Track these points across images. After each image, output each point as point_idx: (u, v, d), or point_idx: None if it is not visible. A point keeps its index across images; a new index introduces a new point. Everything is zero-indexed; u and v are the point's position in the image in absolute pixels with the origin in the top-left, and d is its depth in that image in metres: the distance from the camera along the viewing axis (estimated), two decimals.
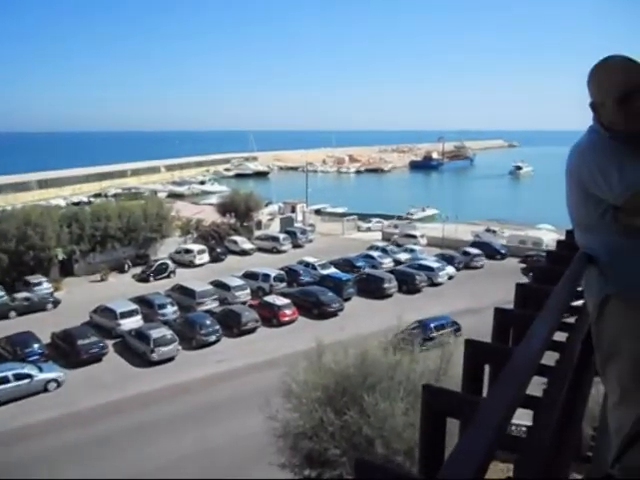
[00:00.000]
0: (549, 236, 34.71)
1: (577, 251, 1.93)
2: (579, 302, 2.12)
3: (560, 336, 2.20)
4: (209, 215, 42.29)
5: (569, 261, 1.84)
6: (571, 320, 2.30)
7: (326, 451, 10.87)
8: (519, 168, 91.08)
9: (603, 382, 2.07)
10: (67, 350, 21.28)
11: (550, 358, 2.00)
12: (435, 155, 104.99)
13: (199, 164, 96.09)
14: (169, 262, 32.91)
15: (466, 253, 35.20)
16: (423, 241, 39.85)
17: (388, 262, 34.07)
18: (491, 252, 36.06)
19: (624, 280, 1.84)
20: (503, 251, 36.22)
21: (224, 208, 41.78)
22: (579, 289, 2.04)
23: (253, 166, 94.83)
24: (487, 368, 1.33)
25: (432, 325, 21.75)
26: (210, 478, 13.27)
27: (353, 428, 10.98)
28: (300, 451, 11.41)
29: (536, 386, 1.77)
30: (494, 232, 41.61)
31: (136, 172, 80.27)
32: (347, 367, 11.78)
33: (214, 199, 51.58)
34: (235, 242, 37.45)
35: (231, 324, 24.00)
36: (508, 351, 1.07)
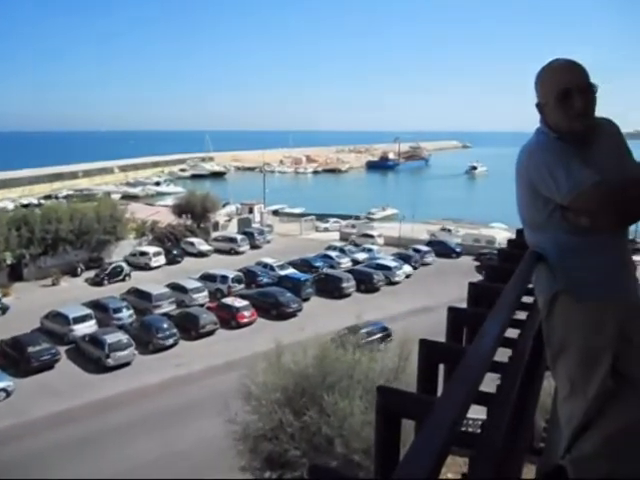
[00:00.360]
0: (502, 234, 35.64)
1: (527, 249, 1.98)
2: (530, 299, 2.17)
3: (512, 333, 2.25)
4: (165, 216, 41.50)
5: (520, 259, 1.89)
6: (523, 317, 2.36)
7: (286, 452, 10.84)
8: (474, 168, 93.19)
9: (553, 376, 2.13)
10: (17, 358, 20.43)
11: (503, 355, 2.05)
12: (391, 155, 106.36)
13: (154, 165, 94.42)
14: (124, 265, 32.13)
15: (417, 250, 35.80)
16: (380, 241, 40.34)
17: (346, 262, 34.31)
18: (446, 251, 36.78)
19: (572, 277, 1.90)
20: (458, 250, 36.98)
21: (180, 209, 41.12)
22: (530, 286, 2.10)
23: (209, 167, 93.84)
24: (442, 367, 1.35)
25: (363, 331, 20.67)
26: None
27: (313, 428, 10.98)
28: (260, 453, 11.34)
29: (491, 382, 1.81)
30: (449, 231, 42.50)
31: (88, 173, 78.26)
32: (306, 367, 11.78)
33: (170, 200, 50.83)
34: (192, 244, 36.91)
35: (189, 327, 23.61)
36: (461, 350, 1.08)
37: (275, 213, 52.80)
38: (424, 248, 36.25)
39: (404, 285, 31.12)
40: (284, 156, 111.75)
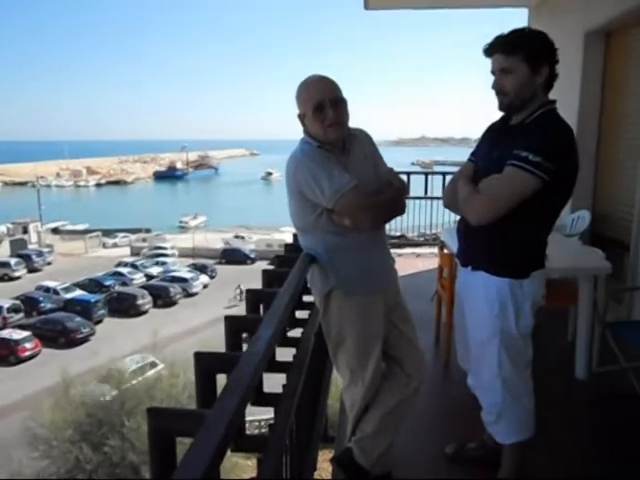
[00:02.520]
0: (291, 237, 37.29)
1: (302, 252, 2.10)
2: (311, 298, 2.30)
3: (298, 332, 2.37)
4: None
5: (295, 262, 1.99)
6: (305, 316, 2.49)
7: None
8: (270, 174, 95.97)
9: (336, 368, 2.31)
10: None
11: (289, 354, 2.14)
12: (179, 165, 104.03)
13: None
14: None
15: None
16: (174, 253, 39.30)
17: (140, 278, 32.70)
18: (241, 258, 37.34)
19: (342, 274, 2.07)
20: (253, 255, 37.76)
21: None
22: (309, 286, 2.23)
23: None
24: None
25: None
26: None
27: (116, 459, 10.26)
28: None
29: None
30: (243, 238, 43.17)
31: None
32: (102, 395, 10.94)
33: None
34: None
35: None
36: (237, 357, 1.09)
37: (55, 231, 47.78)
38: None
39: (202, 296, 30.80)
40: (61, 168, 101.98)
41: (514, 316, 2.10)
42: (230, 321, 1.49)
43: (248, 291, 1.81)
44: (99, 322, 26.14)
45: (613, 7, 4.62)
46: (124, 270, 33.46)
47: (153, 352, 14.32)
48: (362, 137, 2.16)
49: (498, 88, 2.06)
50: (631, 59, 4.78)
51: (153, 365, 15.77)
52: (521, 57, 1.98)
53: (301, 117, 2.04)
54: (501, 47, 2.02)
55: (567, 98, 5.24)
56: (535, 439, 2.28)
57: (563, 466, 2.66)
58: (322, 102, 1.96)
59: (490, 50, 2.05)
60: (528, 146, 1.92)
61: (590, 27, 5.15)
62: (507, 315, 2.11)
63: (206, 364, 1.20)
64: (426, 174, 8.66)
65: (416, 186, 8.32)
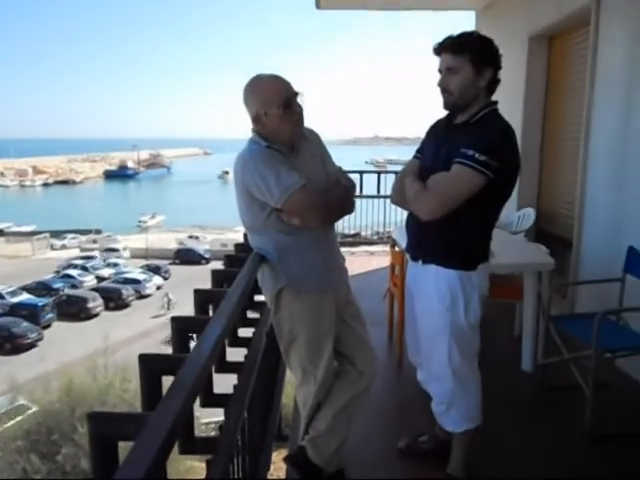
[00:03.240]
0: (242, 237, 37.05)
1: (252, 252, 2.10)
2: (262, 298, 2.30)
3: (250, 332, 2.36)
4: None
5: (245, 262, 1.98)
6: (257, 315, 2.49)
7: None
8: (227, 173, 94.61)
9: (288, 366, 2.31)
10: None
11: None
12: (130, 164, 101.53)
13: None
14: None
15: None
16: (126, 254, 38.41)
17: (90, 280, 31.78)
18: (196, 258, 36.81)
19: (292, 273, 2.08)
20: (207, 256, 37.28)
21: None
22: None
23: None
24: None
25: None
26: None
27: (67, 467, 9.96)
28: None
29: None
30: (197, 238, 42.58)
31: None
32: (51, 403, 10.59)
33: None
34: None
35: None
36: (183, 359, 1.08)
37: None
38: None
39: (156, 297, 30.19)
40: (5, 167, 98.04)
41: (464, 307, 2.19)
42: (177, 322, 1.47)
43: (196, 291, 1.79)
44: (47, 327, 25.28)
45: (554, 12, 4.79)
46: (74, 272, 32.47)
47: (104, 356, 13.94)
48: (311, 136, 2.17)
49: (443, 86, 2.13)
50: (571, 62, 4.97)
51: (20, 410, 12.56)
52: (467, 57, 2.06)
53: (259, 116, 1.99)
54: (450, 47, 2.10)
55: (513, 100, 5.42)
56: (481, 428, 2.35)
57: (508, 454, 2.74)
58: (289, 98, 1.97)
59: (439, 49, 2.13)
60: (474, 145, 1.99)
61: (533, 31, 5.32)
62: (457, 306, 2.19)
63: (151, 366, 1.18)
64: (379, 173, 8.76)
65: (369, 185, 8.42)
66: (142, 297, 29.77)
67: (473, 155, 1.97)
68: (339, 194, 2.08)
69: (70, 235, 43.62)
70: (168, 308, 27.08)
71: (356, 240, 9.04)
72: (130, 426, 0.88)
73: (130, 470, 0.72)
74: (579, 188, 4.32)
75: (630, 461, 2.69)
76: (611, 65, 3.92)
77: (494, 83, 2.14)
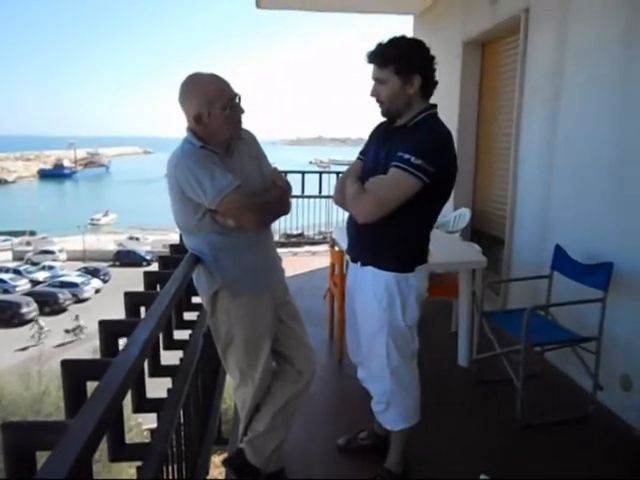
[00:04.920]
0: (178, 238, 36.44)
1: (187, 253, 2.07)
2: (199, 299, 2.27)
3: (186, 334, 2.33)
4: None
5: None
6: (195, 317, 2.46)
7: None
8: None
9: (226, 368, 2.29)
10: None
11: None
12: (67, 163, 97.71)
13: None
14: None
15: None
16: (63, 256, 37.01)
17: (24, 284, 30.46)
18: (137, 259, 35.89)
19: (228, 275, 2.06)
20: (149, 257, 36.42)
21: None
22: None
23: None
24: None
25: None
26: None
27: None
28: None
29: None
30: (137, 239, 41.51)
31: None
32: None
33: None
34: None
35: None
36: (109, 364, 1.06)
37: None
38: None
39: (95, 301, 29.23)
40: None
41: (401, 308, 2.21)
42: (105, 325, 1.43)
43: (126, 294, 1.75)
44: None
45: (487, 20, 4.97)
46: (6, 276, 31.02)
47: (38, 363, 13.37)
48: (247, 137, 2.16)
49: (375, 95, 2.16)
50: (503, 67, 5.17)
51: None
52: (392, 69, 2.07)
53: (200, 116, 1.95)
54: (374, 59, 2.11)
55: (449, 102, 5.58)
56: (420, 422, 2.41)
57: (444, 444, 2.83)
58: (233, 99, 1.96)
59: (368, 59, 2.14)
60: (410, 149, 2.01)
61: (467, 37, 5.50)
62: (394, 308, 2.21)
63: (74, 372, 1.15)
64: (320, 173, 8.82)
65: (312, 185, 8.46)
66: (80, 301, 28.77)
67: (409, 159, 1.99)
68: (274, 195, 2.08)
69: (1, 237, 41.57)
70: (78, 334, 23.97)
71: (299, 240, 9.06)
72: (49, 435, 0.85)
73: (47, 476, 0.70)
74: (510, 189, 4.50)
75: (557, 445, 2.83)
76: (539, 72, 4.10)
77: (428, 86, 2.15)
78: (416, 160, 1.98)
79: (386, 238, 2.19)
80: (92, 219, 48.77)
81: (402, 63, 2.07)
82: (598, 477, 2.59)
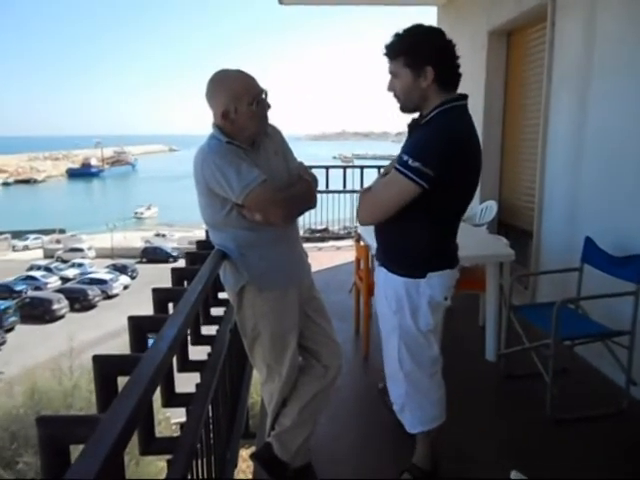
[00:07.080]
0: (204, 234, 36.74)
1: (214, 249, 2.08)
2: (226, 295, 2.29)
3: (213, 330, 2.35)
4: None
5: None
6: (222, 313, 2.47)
7: None
8: None
9: (252, 363, 2.30)
10: None
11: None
12: (94, 162, 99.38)
13: None
14: None
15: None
16: (91, 253, 37.67)
17: (55, 281, 31.08)
18: (163, 256, 36.33)
19: (254, 270, 2.07)
20: (175, 254, 36.79)
21: None
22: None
23: None
24: None
25: None
26: None
27: (30, 475, 9.74)
28: None
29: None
30: (164, 236, 42.02)
31: None
32: (14, 408, 10.33)
33: None
34: None
35: None
36: (138, 359, 1.07)
37: None
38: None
39: (123, 297, 29.73)
40: None
41: (410, 313, 2.14)
42: (134, 321, 1.45)
43: (154, 290, 1.77)
44: (10, 330, 24.63)
45: (513, 8, 4.88)
46: (37, 274, 31.69)
47: (69, 358, 13.64)
48: (273, 133, 2.16)
49: (392, 90, 2.07)
50: (529, 57, 5.07)
51: None
52: (402, 62, 1.97)
53: (228, 112, 1.95)
54: (386, 51, 2.02)
55: (474, 94, 5.49)
56: (448, 417, 2.38)
57: (473, 441, 2.80)
58: (260, 95, 1.97)
59: (383, 52, 2.04)
60: (409, 150, 1.92)
61: (493, 27, 5.41)
62: (403, 313, 2.15)
63: (105, 367, 1.17)
64: (345, 168, 8.78)
65: (336, 180, 8.44)
66: (109, 297, 29.27)
67: (407, 161, 1.87)
68: (300, 189, 2.08)
69: (32, 235, 42.54)
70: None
71: (324, 235, 9.06)
72: (82, 429, 0.86)
73: (79, 473, 0.71)
74: (538, 180, 4.42)
75: (590, 441, 2.78)
76: (567, 60, 4.02)
77: (444, 78, 1.97)
78: (413, 162, 1.85)
79: (395, 242, 2.14)
80: (136, 212, 50.57)
81: (410, 54, 1.95)
82: (633, 478, 2.53)
